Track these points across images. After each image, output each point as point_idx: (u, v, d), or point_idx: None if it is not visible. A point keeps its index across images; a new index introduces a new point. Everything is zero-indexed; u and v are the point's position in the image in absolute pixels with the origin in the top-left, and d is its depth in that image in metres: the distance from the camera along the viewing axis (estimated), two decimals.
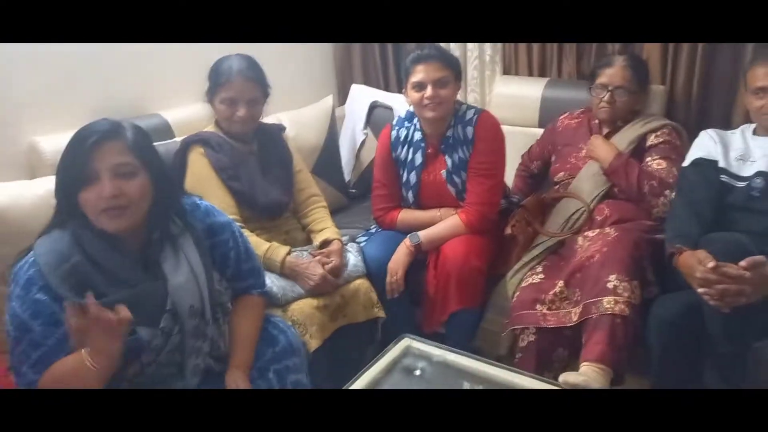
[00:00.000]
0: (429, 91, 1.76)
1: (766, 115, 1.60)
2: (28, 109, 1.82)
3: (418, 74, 1.78)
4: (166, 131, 2.01)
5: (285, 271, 1.69)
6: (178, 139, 1.94)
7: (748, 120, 1.77)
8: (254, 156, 1.83)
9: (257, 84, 1.78)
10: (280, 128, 1.98)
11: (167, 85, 2.18)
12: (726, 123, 1.99)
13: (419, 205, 1.96)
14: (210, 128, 1.84)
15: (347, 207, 2.41)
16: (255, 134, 1.84)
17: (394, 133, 1.95)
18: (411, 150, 1.91)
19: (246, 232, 1.63)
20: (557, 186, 2.01)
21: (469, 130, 1.84)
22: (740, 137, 1.70)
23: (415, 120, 1.92)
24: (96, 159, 1.16)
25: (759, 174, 1.61)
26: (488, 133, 1.84)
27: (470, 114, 1.86)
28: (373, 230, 2.05)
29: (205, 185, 1.70)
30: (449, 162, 1.87)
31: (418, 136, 1.91)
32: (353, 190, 2.50)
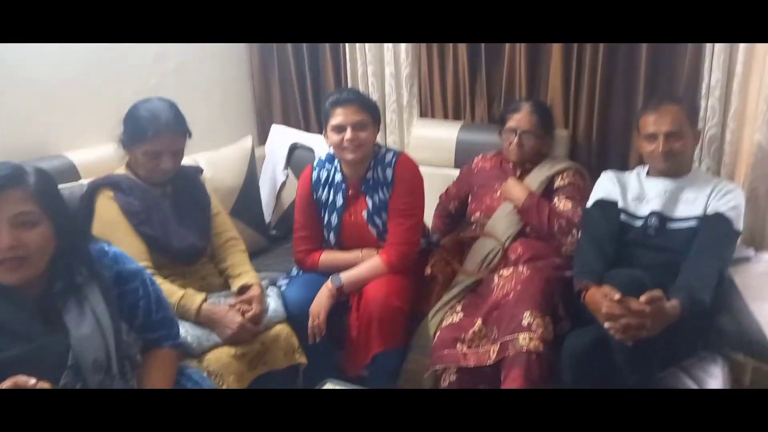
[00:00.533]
0: (348, 133, 1.79)
1: (657, 159, 1.74)
2: None
3: (338, 117, 1.81)
4: (71, 173, 1.92)
5: (201, 320, 1.63)
6: (85, 181, 1.84)
7: (642, 161, 1.92)
8: (169, 199, 1.76)
9: (182, 135, 1.72)
10: (197, 170, 1.93)
11: (73, 124, 2.08)
12: (623, 163, 2.15)
13: (341, 246, 1.96)
14: (121, 170, 1.76)
15: (267, 249, 2.37)
16: (170, 177, 1.79)
17: (314, 174, 1.96)
18: (332, 191, 1.92)
19: (159, 279, 1.57)
20: (474, 225, 2.07)
21: (389, 172, 1.87)
22: (635, 178, 1.84)
23: (336, 161, 1.94)
24: None
25: (653, 213, 1.74)
26: (407, 174, 1.88)
27: (389, 156, 1.90)
28: (294, 273, 2.02)
29: (114, 231, 1.61)
30: (370, 203, 1.89)
31: (338, 177, 1.92)
32: (274, 232, 2.46)
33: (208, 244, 1.83)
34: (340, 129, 1.81)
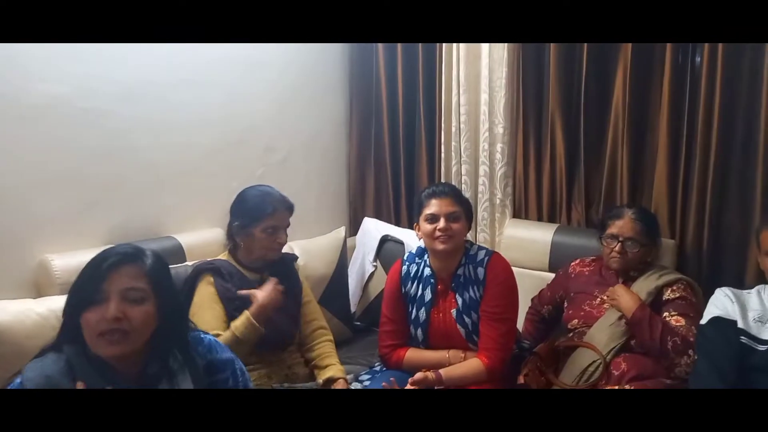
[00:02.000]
0: (442, 223, 1.79)
1: None
2: (42, 228, 1.83)
3: (432, 207, 1.82)
4: (179, 254, 2.02)
5: None
6: (190, 263, 1.94)
7: (762, 278, 1.76)
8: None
9: (291, 211, 1.88)
10: (292, 257, 1.99)
11: (185, 208, 2.22)
12: (739, 280, 1.98)
13: (427, 344, 1.90)
14: (223, 256, 1.84)
15: (351, 340, 2.34)
16: (267, 264, 1.84)
17: (404, 268, 1.95)
18: (421, 286, 1.90)
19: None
20: (571, 334, 1.95)
21: (480, 270, 1.83)
22: (756, 298, 1.68)
23: (426, 256, 1.92)
24: (110, 280, 1.15)
25: None
26: (501, 274, 1.83)
27: (481, 255, 1.86)
28: (378, 368, 1.96)
29: (207, 314, 1.66)
30: (459, 301, 1.84)
31: (428, 272, 1.90)
32: (358, 323, 2.44)
33: (298, 332, 1.83)
34: (433, 219, 1.81)
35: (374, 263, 2.50)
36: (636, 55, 2.11)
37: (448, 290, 1.87)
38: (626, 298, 1.83)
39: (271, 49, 2.46)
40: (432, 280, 1.88)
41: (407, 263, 1.95)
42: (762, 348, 1.59)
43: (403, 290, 1.93)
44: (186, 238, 2.09)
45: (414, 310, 1.90)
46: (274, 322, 1.75)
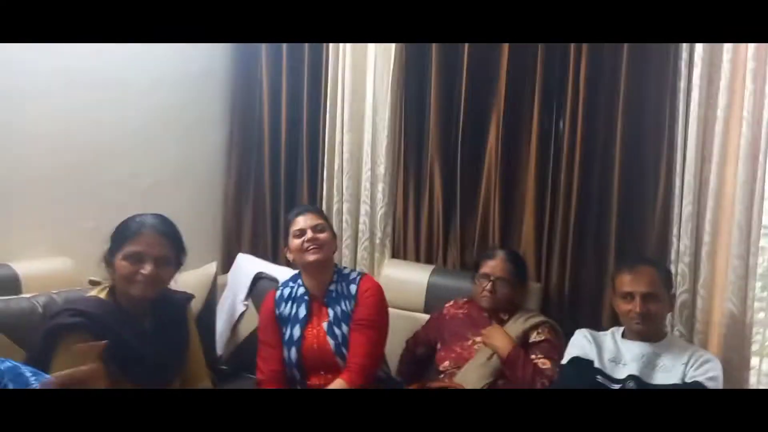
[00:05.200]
0: (309, 234, 1.87)
1: (633, 320, 1.71)
2: None
3: (298, 223, 1.90)
4: (13, 284, 1.77)
5: None
6: (27, 295, 1.69)
7: (616, 322, 1.88)
8: (146, 334, 1.54)
9: (169, 241, 1.57)
10: (185, 298, 1.72)
11: (24, 234, 1.96)
12: (596, 322, 2.09)
13: (300, 363, 1.86)
14: (99, 293, 1.54)
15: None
16: (152, 305, 1.58)
17: (278, 292, 1.97)
18: (295, 305, 1.93)
19: None
20: (442, 375, 1.95)
21: (353, 287, 1.91)
22: (611, 339, 1.79)
23: (299, 280, 1.96)
24: None
25: (630, 377, 1.67)
26: (371, 289, 1.91)
27: (353, 274, 1.96)
28: None
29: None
30: (331, 313, 1.88)
31: (301, 291, 1.94)
32: (224, 367, 2.26)
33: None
34: (301, 233, 1.88)
35: (246, 302, 2.35)
36: (507, 113, 2.24)
37: (322, 306, 1.91)
38: (501, 338, 1.87)
39: (135, 67, 2.30)
40: (306, 298, 1.92)
41: (281, 288, 1.99)
42: (615, 386, 1.68)
43: (278, 312, 1.93)
44: (25, 267, 1.83)
45: (288, 330, 1.89)
46: (142, 374, 1.50)
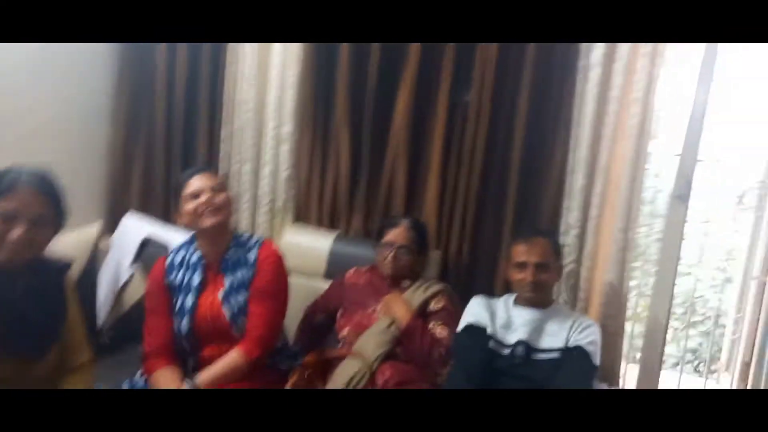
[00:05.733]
0: (204, 196, 1.74)
1: (525, 288, 1.78)
2: None
3: (192, 185, 1.76)
4: None
5: None
6: None
7: (508, 290, 1.96)
8: (16, 300, 1.37)
9: (47, 200, 1.39)
10: (63, 265, 1.52)
11: None
12: (490, 289, 2.17)
13: (192, 333, 1.77)
14: None
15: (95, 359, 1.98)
16: (26, 270, 1.40)
17: (170, 258, 1.84)
18: (188, 271, 1.80)
19: None
20: (341, 343, 1.94)
21: (252, 254, 1.81)
22: (503, 306, 1.85)
23: (193, 245, 1.84)
24: None
25: (520, 342, 1.75)
26: (271, 256, 1.82)
27: (252, 240, 1.85)
28: (140, 382, 1.76)
29: None
30: (227, 282, 1.78)
31: (195, 257, 1.81)
32: (106, 340, 2.09)
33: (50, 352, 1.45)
34: (194, 195, 1.74)
35: (131, 268, 2.18)
36: (417, 82, 2.21)
37: (217, 274, 1.80)
38: (400, 307, 1.88)
39: None
40: (201, 264, 1.79)
41: (173, 253, 1.85)
42: (505, 351, 1.76)
43: (168, 280, 1.80)
44: None
45: (180, 298, 1.78)
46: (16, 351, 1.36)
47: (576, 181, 2.07)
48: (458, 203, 2.23)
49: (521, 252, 1.78)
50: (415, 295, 1.95)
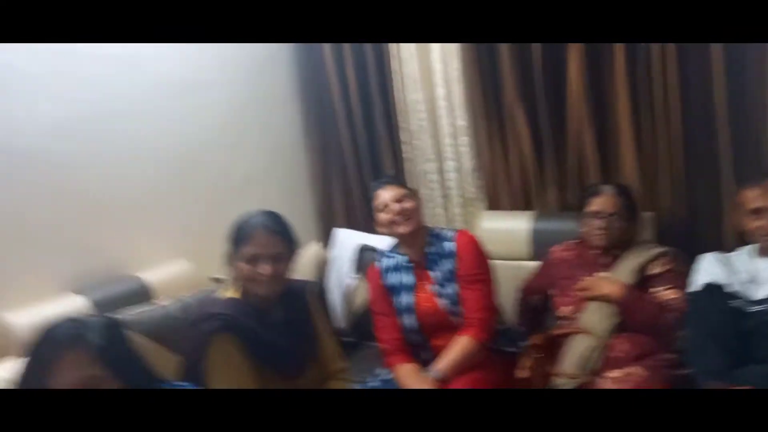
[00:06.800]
0: (393, 206, 1.85)
1: (766, 236, 1.60)
2: None
3: (380, 197, 1.88)
4: (145, 294, 1.88)
5: None
6: (163, 302, 1.81)
7: (741, 241, 1.77)
8: (276, 326, 1.60)
9: (281, 238, 1.58)
10: (301, 286, 1.73)
11: (136, 246, 2.07)
12: (718, 246, 1.97)
13: (420, 328, 1.90)
14: (230, 293, 1.60)
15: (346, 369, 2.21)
16: (278, 298, 1.62)
17: (381, 264, 1.99)
18: (399, 273, 1.94)
19: None
20: (562, 321, 1.92)
21: (449, 244, 1.90)
22: (744, 260, 1.68)
23: (398, 248, 1.96)
24: (58, 373, 1.07)
25: None
26: (469, 244, 1.90)
27: (447, 232, 1.94)
28: (385, 375, 1.91)
29: (235, 376, 1.49)
30: (435, 276, 1.89)
31: (402, 259, 1.94)
32: (348, 338, 2.34)
33: (310, 367, 1.67)
34: (384, 207, 1.87)
35: (355, 276, 2.40)
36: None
37: (424, 270, 1.91)
38: (606, 286, 1.81)
39: (209, 69, 2.35)
40: (408, 265, 1.93)
41: (383, 259, 1.99)
42: (755, 309, 1.59)
43: (385, 283, 1.95)
44: (151, 276, 1.95)
45: (399, 298, 1.92)
46: (288, 369, 1.60)
47: None
48: (662, 160, 2.08)
49: (754, 197, 1.61)
50: (630, 262, 1.85)
